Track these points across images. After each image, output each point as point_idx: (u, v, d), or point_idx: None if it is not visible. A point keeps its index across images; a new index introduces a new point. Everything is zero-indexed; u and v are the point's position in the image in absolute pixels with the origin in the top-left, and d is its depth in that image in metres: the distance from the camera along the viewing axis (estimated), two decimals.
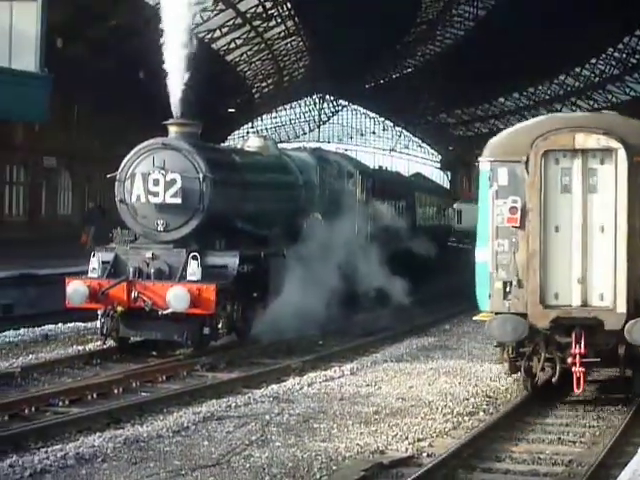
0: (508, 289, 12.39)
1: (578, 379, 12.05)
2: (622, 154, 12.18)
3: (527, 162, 12.34)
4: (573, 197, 12.37)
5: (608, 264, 12.17)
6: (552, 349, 12.35)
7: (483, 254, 12.63)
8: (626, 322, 12.00)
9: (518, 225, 12.35)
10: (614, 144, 12.19)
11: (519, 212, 12.33)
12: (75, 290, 15.57)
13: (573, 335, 12.08)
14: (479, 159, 12.85)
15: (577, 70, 60.35)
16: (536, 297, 12.23)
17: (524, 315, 12.26)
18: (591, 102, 63.47)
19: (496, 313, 12.42)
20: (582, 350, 12.01)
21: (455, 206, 48.06)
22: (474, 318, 13.50)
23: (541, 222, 12.30)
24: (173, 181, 15.90)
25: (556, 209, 12.37)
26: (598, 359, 12.18)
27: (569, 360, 12.14)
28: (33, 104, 29.40)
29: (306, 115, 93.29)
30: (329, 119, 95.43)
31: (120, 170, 16.35)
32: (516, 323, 12.15)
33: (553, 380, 12.49)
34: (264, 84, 70.87)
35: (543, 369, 12.59)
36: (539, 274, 12.24)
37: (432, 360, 16.40)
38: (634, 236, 12.15)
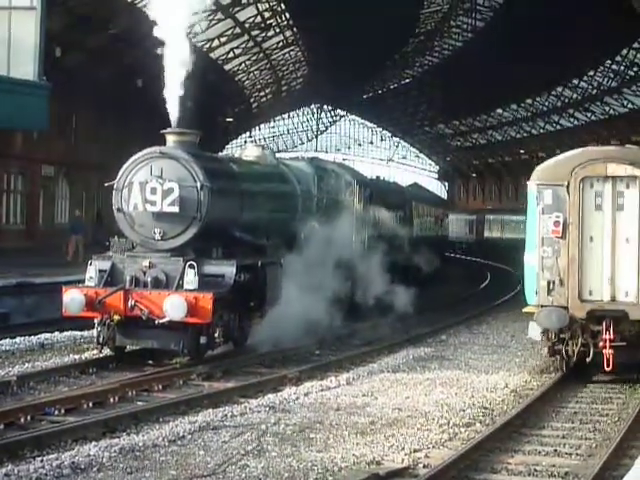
0: (551, 287, 15.23)
1: (608, 359, 14.78)
2: None
3: (568, 186, 15.26)
4: (604, 214, 15.29)
5: (632, 267, 15.08)
6: (586, 335, 15.14)
7: (531, 258, 15.53)
8: None
9: (560, 236, 15.25)
10: (637, 172, 15.15)
11: (561, 225, 15.23)
12: (72, 299, 15.53)
13: (604, 324, 14.93)
14: (527, 182, 15.75)
15: (575, 82, 60.43)
16: (575, 293, 15.18)
17: (565, 308, 15.11)
18: (589, 114, 63.57)
19: (541, 306, 15.23)
20: (611, 336, 14.83)
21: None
22: (523, 310, 15.92)
23: (579, 234, 15.25)
24: (170, 190, 15.88)
25: (591, 223, 15.30)
26: (624, 343, 14.89)
27: (600, 344, 14.92)
28: (32, 113, 29.42)
29: (304, 125, 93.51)
30: (327, 129, 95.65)
31: (118, 179, 16.31)
32: (559, 314, 15.03)
33: (587, 360, 15.20)
34: (262, 93, 70.99)
35: (580, 353, 15.20)
36: (577, 275, 15.20)
37: (428, 370, 16.39)
38: None
